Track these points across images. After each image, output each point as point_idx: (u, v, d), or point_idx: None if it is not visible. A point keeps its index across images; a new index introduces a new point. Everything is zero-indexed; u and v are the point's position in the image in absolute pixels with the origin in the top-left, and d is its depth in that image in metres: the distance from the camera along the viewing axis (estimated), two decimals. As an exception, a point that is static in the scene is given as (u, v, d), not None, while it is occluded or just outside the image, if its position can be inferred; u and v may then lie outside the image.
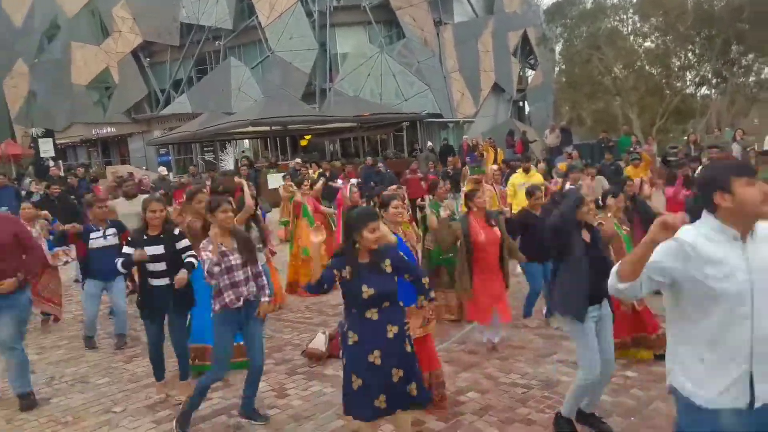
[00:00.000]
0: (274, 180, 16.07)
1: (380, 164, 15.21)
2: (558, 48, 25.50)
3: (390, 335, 3.14)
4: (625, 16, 22.38)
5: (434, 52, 27.02)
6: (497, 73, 28.85)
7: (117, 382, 5.06)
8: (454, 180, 12.17)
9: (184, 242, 4.60)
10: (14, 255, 4.40)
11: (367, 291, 3.07)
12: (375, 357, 3.10)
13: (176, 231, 4.64)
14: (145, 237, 4.45)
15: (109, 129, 31.62)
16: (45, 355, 5.96)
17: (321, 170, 14.48)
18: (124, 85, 30.55)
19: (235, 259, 3.90)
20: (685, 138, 16.40)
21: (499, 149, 18.21)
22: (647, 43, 22.07)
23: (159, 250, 4.44)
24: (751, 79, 20.66)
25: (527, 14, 31.08)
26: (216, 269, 3.81)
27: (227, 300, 3.85)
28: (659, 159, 14.00)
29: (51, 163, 18.40)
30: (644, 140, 16.86)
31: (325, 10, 26.08)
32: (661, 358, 4.56)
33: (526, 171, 8.94)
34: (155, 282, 4.47)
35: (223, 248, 3.88)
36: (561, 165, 13.17)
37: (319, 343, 5.31)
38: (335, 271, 3.15)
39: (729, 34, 18.63)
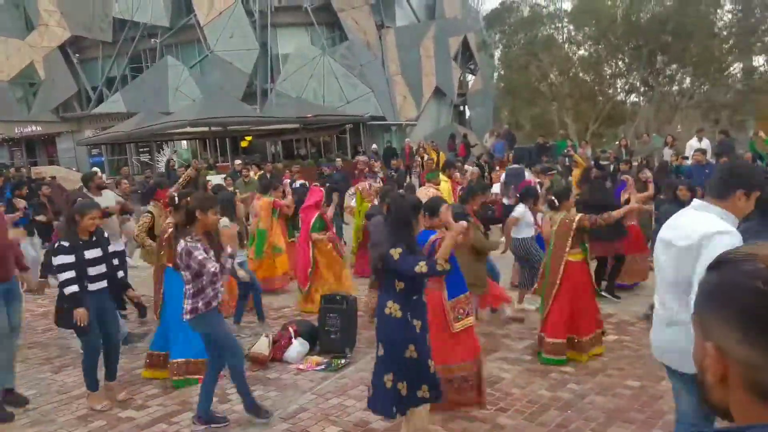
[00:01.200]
0: (214, 182, 15.72)
1: (323, 167, 15.18)
2: (497, 54, 26.21)
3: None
4: (560, 25, 23.25)
5: (377, 55, 27.14)
6: (438, 77, 29.29)
7: (45, 394, 4.81)
8: (398, 182, 12.32)
9: (112, 246, 4.68)
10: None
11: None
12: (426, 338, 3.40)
13: (105, 233, 4.64)
14: (81, 241, 4.31)
15: (34, 127, 29.92)
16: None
17: (262, 172, 14.28)
18: (51, 81, 29.00)
19: (212, 256, 3.90)
20: (617, 143, 17.20)
21: (441, 152, 18.54)
22: (581, 51, 23.02)
23: (98, 252, 4.38)
24: (675, 88, 21.90)
25: (467, 20, 31.73)
26: (211, 266, 3.81)
27: (210, 297, 3.87)
28: (592, 162, 14.61)
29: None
30: (579, 144, 17.55)
31: (265, 10, 25.71)
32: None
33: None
34: (95, 286, 4.34)
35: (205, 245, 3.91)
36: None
37: (262, 346, 5.24)
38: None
39: (654, 46, 19.69)
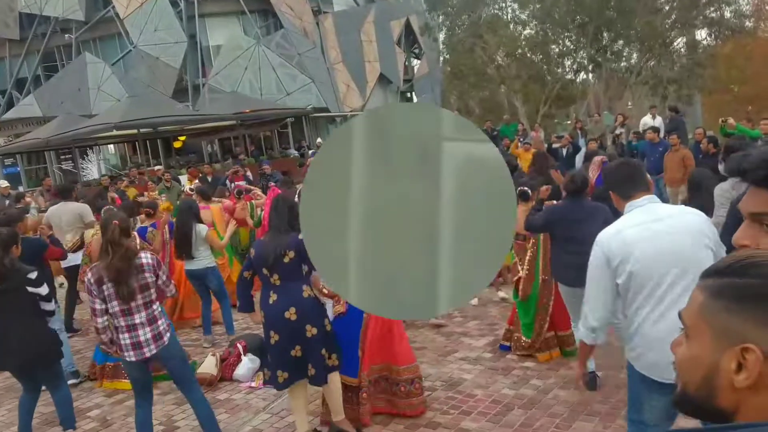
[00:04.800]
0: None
1: (265, 165, 14.98)
2: (441, 37, 26.39)
3: None
4: (504, 4, 23.63)
5: (315, 43, 26.99)
6: (382, 63, 29.38)
7: None
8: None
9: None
10: None
11: None
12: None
13: None
14: None
15: (-65, 138, 28.35)
16: None
17: (202, 176, 13.96)
18: (-48, 86, 27.57)
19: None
20: (567, 122, 17.67)
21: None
22: (527, 31, 23.44)
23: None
24: (623, 64, 22.63)
25: (408, 2, 31.92)
26: None
27: None
28: (545, 145, 14.95)
29: None
30: (531, 127, 17.92)
31: (192, 0, 25.14)
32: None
33: None
34: None
35: None
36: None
37: (210, 366, 5.16)
38: None
39: (599, 22, 20.29)
